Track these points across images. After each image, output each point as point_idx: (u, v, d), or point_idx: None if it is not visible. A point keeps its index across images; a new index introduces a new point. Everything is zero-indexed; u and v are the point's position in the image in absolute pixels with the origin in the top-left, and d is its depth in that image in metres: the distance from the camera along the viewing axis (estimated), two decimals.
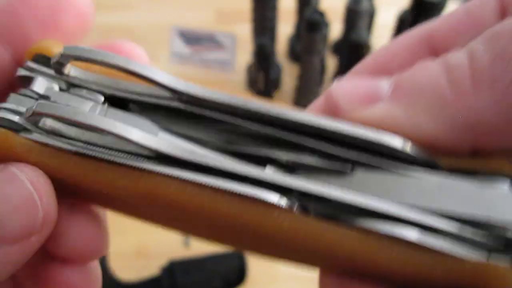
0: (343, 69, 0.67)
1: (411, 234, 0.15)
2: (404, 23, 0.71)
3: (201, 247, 0.54)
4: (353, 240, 0.16)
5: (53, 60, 0.18)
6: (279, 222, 0.16)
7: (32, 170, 0.18)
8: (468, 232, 0.15)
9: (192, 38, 0.79)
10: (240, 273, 0.54)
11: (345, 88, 0.18)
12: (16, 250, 0.17)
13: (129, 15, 0.97)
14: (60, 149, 0.18)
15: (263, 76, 0.68)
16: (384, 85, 0.17)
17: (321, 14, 0.63)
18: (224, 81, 0.79)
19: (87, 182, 0.18)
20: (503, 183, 0.16)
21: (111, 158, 0.17)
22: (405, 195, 0.16)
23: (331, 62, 0.81)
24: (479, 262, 0.15)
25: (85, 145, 0.18)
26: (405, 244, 0.15)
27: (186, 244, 0.59)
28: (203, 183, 0.16)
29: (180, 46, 0.79)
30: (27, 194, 0.17)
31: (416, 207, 0.16)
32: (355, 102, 0.17)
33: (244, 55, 0.80)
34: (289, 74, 0.80)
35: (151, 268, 0.54)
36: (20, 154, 0.18)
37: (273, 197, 0.16)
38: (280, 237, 0.16)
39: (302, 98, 0.69)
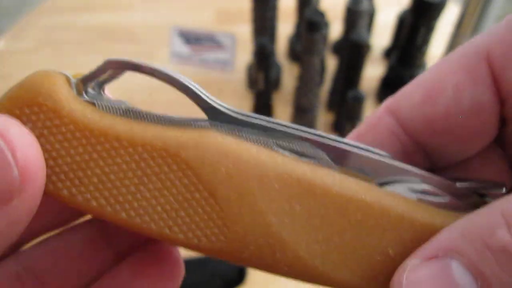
0: (343, 69, 0.67)
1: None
2: (404, 23, 0.71)
3: None
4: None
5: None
6: (332, 174, 0.18)
7: (2, 119, 0.14)
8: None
9: (192, 38, 0.79)
10: (240, 273, 0.54)
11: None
12: None
13: (129, 15, 0.97)
14: (106, 109, 0.18)
15: (263, 76, 0.68)
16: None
17: (321, 14, 0.63)
18: (224, 81, 0.79)
19: (135, 137, 0.17)
20: None
21: (159, 119, 0.18)
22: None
23: (331, 62, 0.81)
24: None
25: (129, 108, 0.18)
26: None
27: None
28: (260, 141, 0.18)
29: (180, 46, 0.79)
30: None
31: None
32: None
33: (244, 55, 0.80)
34: (289, 74, 0.80)
35: None
36: (64, 100, 0.17)
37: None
38: (334, 192, 0.18)
39: (302, 98, 0.69)
